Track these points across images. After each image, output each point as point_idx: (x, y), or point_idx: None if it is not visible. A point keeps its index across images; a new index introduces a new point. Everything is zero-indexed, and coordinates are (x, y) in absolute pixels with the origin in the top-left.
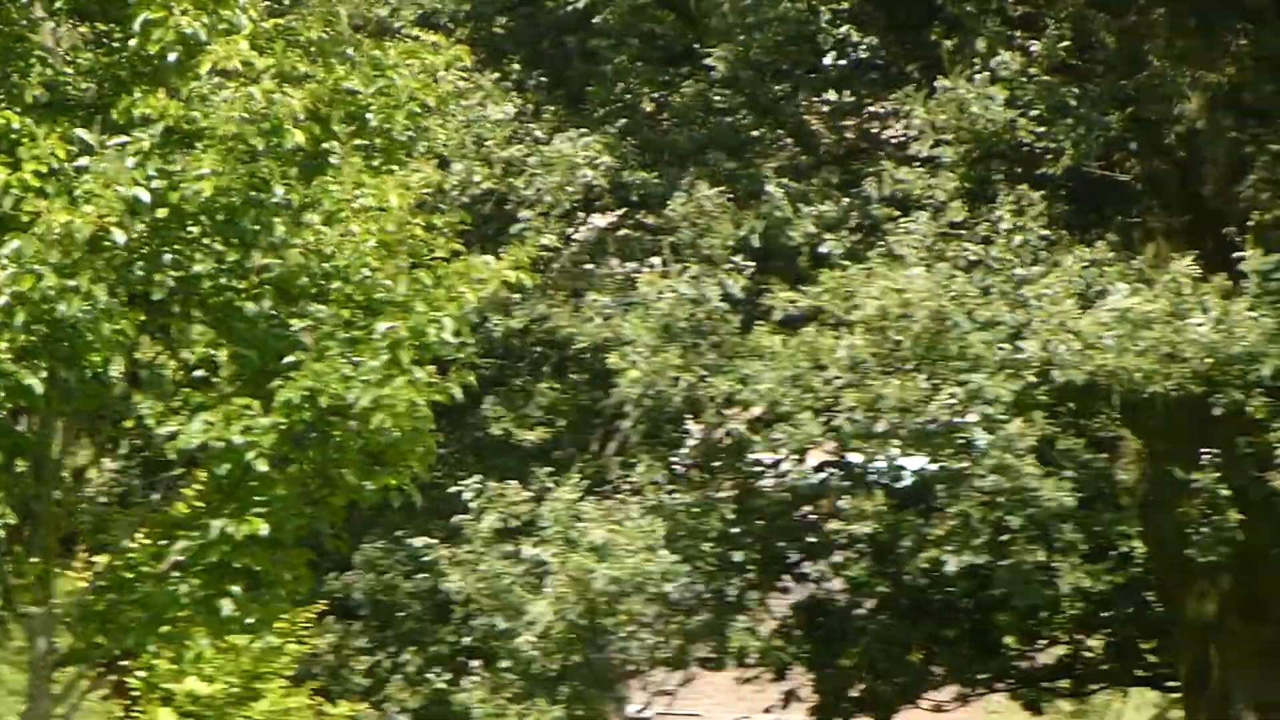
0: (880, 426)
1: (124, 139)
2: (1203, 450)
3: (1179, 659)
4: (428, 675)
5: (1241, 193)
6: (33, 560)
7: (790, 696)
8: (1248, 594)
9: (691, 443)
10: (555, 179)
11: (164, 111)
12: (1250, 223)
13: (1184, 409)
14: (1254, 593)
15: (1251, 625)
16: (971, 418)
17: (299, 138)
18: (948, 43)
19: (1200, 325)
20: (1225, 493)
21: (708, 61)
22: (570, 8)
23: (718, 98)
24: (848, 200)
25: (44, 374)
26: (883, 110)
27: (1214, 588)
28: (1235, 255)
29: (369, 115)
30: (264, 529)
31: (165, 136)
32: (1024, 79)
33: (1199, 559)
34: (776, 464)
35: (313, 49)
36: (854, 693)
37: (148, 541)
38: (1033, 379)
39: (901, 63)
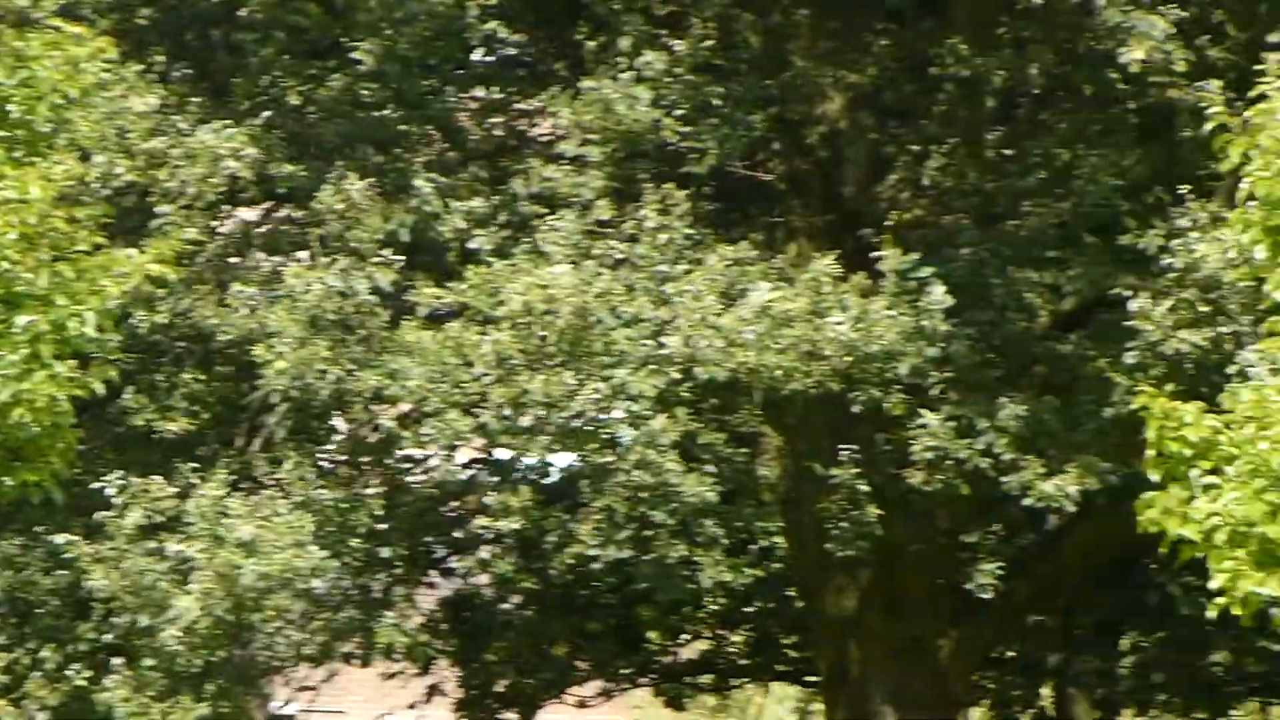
0: (526, 422)
1: None
2: (842, 447)
3: (819, 654)
4: (67, 672)
5: (881, 193)
6: None
7: (434, 691)
8: (886, 591)
9: (339, 438)
10: (199, 171)
11: None
12: (889, 222)
13: (824, 406)
14: (892, 590)
15: (890, 622)
16: (616, 413)
17: None
18: (592, 43)
19: (840, 324)
20: (864, 489)
21: (355, 55)
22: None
23: (365, 92)
24: (497, 197)
25: None
26: (531, 108)
27: (853, 583)
28: (874, 255)
29: (10, 106)
30: None
31: None
32: (669, 78)
33: (838, 554)
34: (425, 460)
35: None
36: (499, 687)
37: None
38: (676, 375)
39: (549, 60)
